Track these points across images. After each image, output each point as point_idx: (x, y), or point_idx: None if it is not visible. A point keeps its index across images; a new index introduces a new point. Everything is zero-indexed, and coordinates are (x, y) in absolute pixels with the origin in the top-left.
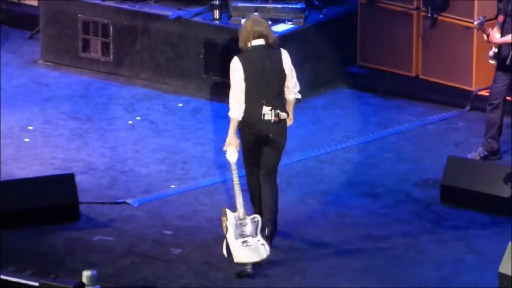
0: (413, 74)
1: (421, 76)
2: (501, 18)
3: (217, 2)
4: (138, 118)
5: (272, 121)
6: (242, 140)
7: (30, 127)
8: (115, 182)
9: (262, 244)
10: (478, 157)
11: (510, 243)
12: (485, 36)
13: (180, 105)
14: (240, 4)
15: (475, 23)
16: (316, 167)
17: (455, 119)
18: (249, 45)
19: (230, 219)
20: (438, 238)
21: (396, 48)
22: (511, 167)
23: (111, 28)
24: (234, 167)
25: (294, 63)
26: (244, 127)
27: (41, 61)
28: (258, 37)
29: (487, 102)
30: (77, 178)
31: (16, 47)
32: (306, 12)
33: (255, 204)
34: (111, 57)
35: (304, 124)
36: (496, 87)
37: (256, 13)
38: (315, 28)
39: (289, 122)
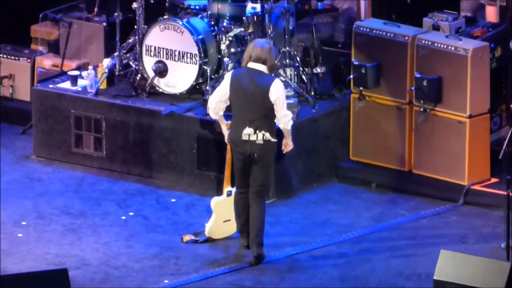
0: (406, 169)
1: (414, 171)
2: None
3: (209, 97)
4: (131, 213)
5: (256, 142)
6: (233, 160)
7: (23, 222)
8: (108, 277)
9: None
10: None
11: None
12: None
13: (173, 200)
14: None
15: None
16: (309, 262)
17: (448, 213)
18: (248, 65)
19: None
20: None
21: (388, 143)
22: (506, 262)
23: (104, 124)
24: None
25: (287, 157)
26: (233, 146)
27: (33, 157)
28: (255, 60)
29: None
30: (71, 274)
31: (8, 142)
32: (299, 107)
33: (239, 222)
34: (104, 152)
35: (297, 219)
36: None
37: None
38: (308, 123)
39: (287, 148)
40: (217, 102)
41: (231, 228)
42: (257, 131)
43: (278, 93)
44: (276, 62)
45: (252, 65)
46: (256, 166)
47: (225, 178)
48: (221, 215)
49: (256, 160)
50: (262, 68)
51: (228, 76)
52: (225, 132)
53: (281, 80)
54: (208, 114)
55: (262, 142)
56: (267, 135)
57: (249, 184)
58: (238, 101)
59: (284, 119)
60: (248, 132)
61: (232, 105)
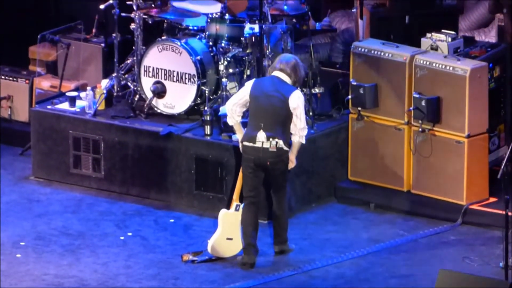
0: (404, 189)
1: (412, 191)
2: None
3: (208, 118)
4: (129, 234)
5: (269, 149)
6: (242, 167)
7: (22, 243)
8: None
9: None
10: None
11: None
12: None
13: (172, 220)
14: None
15: None
16: (307, 282)
17: (446, 233)
18: (272, 73)
19: None
20: None
21: (387, 163)
22: (505, 281)
23: (102, 144)
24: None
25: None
26: (244, 154)
27: (32, 177)
28: (280, 70)
29: None
30: None
31: (7, 163)
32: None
33: (246, 235)
34: (102, 173)
35: (295, 240)
36: None
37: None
38: (306, 143)
39: (290, 165)
40: (233, 104)
41: (234, 248)
42: (271, 139)
43: (298, 101)
44: (301, 78)
45: (276, 73)
46: (271, 174)
47: (235, 192)
48: (226, 230)
49: (269, 168)
50: (286, 78)
51: (250, 82)
52: (241, 141)
53: None
54: (206, 135)
55: (275, 149)
56: (280, 143)
57: (260, 193)
58: (256, 106)
59: (302, 132)
60: (261, 139)
61: (250, 110)
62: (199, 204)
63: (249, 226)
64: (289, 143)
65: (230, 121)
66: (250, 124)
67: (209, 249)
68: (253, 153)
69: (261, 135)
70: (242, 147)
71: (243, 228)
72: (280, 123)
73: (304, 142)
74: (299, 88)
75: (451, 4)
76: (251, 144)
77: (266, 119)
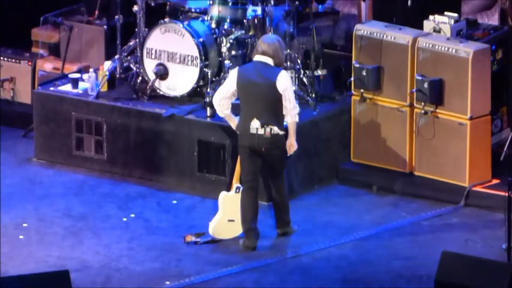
0: (407, 171)
1: (415, 173)
2: None
3: (210, 100)
4: (132, 215)
5: (264, 136)
6: (240, 156)
7: (25, 225)
8: (109, 279)
9: None
10: None
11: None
12: None
13: (174, 202)
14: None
15: None
16: (310, 264)
17: (449, 215)
18: (254, 58)
19: None
20: None
21: (389, 145)
22: (508, 263)
23: (105, 126)
24: None
25: (288, 159)
26: (240, 141)
27: (35, 160)
28: (262, 53)
29: None
30: (72, 276)
31: (9, 145)
32: (300, 109)
33: (246, 220)
34: (105, 155)
35: (298, 222)
36: None
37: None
38: (309, 125)
39: (291, 149)
40: (220, 99)
41: (235, 229)
42: (265, 126)
43: (285, 82)
44: (283, 59)
45: (258, 57)
46: (268, 161)
47: (235, 174)
48: (227, 212)
49: (265, 155)
50: (269, 61)
51: (234, 72)
52: (235, 129)
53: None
54: (208, 117)
55: (269, 136)
56: (275, 129)
57: (258, 177)
58: (246, 95)
59: (294, 111)
60: (255, 126)
61: (240, 100)
62: (202, 186)
63: (249, 211)
64: (284, 127)
65: (221, 114)
66: (242, 113)
67: (210, 231)
68: (248, 140)
69: (254, 123)
70: (238, 136)
71: (242, 213)
72: (271, 108)
73: (297, 120)
74: (283, 69)
75: None
76: (245, 132)
77: (257, 107)
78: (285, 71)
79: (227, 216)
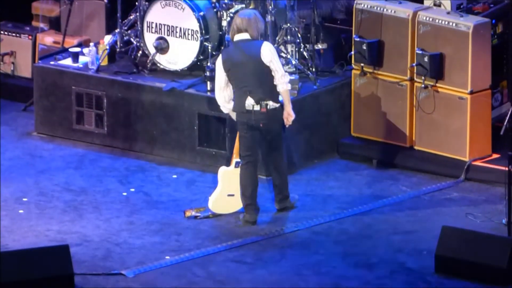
0: (407, 145)
1: (415, 147)
2: None
3: (210, 74)
4: (132, 189)
5: (260, 111)
6: (239, 132)
7: (25, 199)
8: (109, 253)
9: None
10: None
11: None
12: None
13: (175, 176)
14: None
15: None
16: (310, 238)
17: (449, 189)
18: (234, 39)
19: None
20: None
21: (390, 119)
22: (508, 237)
23: (105, 100)
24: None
25: (288, 133)
26: (238, 117)
27: (35, 133)
28: (238, 31)
29: None
30: (72, 250)
31: (10, 119)
32: (300, 83)
33: (245, 195)
34: (105, 129)
35: (298, 195)
36: None
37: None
38: (309, 99)
39: (289, 118)
40: (219, 96)
41: (235, 204)
42: (260, 101)
43: (270, 54)
44: (259, 31)
45: (236, 37)
46: (266, 136)
47: (235, 149)
48: (227, 187)
49: (263, 130)
50: (246, 36)
51: (218, 61)
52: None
53: (282, 56)
54: (209, 91)
55: (266, 111)
56: (270, 103)
57: (257, 152)
58: (236, 76)
59: (283, 79)
60: (251, 102)
61: (232, 83)
62: (202, 160)
63: (248, 186)
64: (278, 99)
65: (226, 110)
66: (236, 93)
67: (210, 206)
68: (245, 117)
69: (249, 101)
70: (236, 114)
71: (242, 189)
72: (263, 83)
73: (289, 88)
74: (264, 40)
75: None
76: (242, 110)
77: (249, 86)
78: (267, 42)
79: (226, 191)
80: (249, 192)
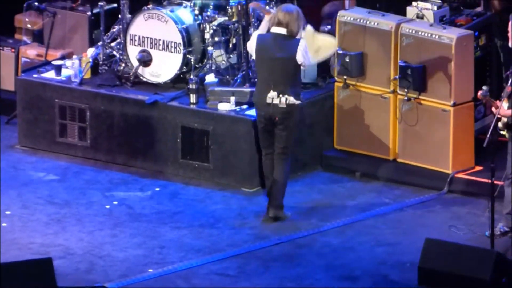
0: (390, 158)
1: (398, 159)
2: (509, 88)
3: (194, 86)
4: (115, 202)
5: (279, 105)
6: (257, 122)
7: (8, 212)
8: (93, 266)
9: None
10: (498, 233)
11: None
12: (493, 109)
13: (157, 189)
14: (216, 88)
15: (480, 94)
16: (293, 251)
17: (432, 202)
18: (271, 30)
19: None
20: None
21: (373, 131)
22: (491, 250)
23: (88, 113)
24: None
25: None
26: (256, 109)
27: (18, 146)
28: (278, 24)
29: (503, 176)
30: (55, 263)
31: None
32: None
33: (268, 185)
34: (88, 141)
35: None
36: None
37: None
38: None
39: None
40: (250, 42)
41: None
42: (281, 95)
43: (304, 54)
44: (298, 29)
45: (274, 29)
46: (278, 130)
47: None
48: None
49: (277, 123)
50: (284, 31)
51: (254, 36)
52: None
53: None
54: (192, 103)
55: (285, 106)
56: (291, 99)
57: (273, 145)
58: (262, 65)
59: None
60: (272, 96)
61: (257, 68)
62: (185, 172)
63: (270, 176)
64: (299, 95)
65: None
66: (259, 83)
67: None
68: (264, 109)
69: (271, 94)
70: (254, 104)
71: (265, 178)
72: (289, 79)
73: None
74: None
75: None
76: (261, 102)
77: (274, 78)
78: (303, 41)
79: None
80: (271, 181)
